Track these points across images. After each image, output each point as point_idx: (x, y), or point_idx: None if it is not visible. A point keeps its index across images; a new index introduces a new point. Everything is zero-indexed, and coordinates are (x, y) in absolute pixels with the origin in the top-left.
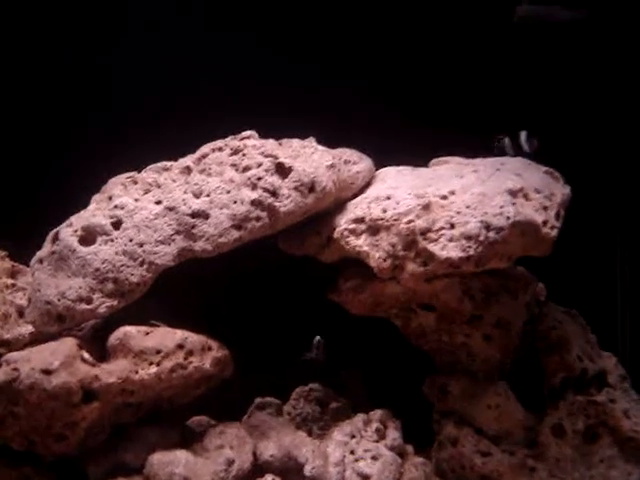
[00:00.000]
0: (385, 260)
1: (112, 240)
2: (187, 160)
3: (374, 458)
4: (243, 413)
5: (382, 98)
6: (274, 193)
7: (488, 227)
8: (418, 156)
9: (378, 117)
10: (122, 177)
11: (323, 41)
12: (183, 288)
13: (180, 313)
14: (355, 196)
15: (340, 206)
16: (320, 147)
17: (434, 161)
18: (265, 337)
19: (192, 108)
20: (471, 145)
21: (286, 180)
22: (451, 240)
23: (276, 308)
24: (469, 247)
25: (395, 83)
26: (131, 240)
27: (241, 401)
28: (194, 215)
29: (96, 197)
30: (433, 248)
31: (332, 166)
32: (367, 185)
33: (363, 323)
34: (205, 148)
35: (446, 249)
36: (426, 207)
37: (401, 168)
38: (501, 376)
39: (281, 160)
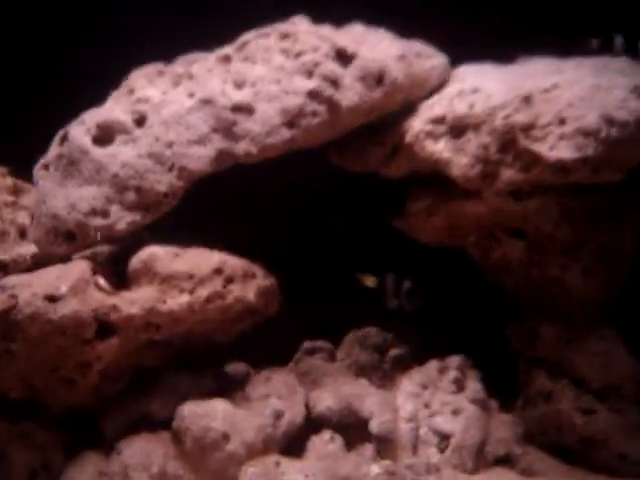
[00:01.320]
0: (473, 167)
1: (134, 140)
2: (226, 49)
3: (455, 413)
4: (289, 361)
5: None
6: (335, 83)
7: (610, 122)
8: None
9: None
10: (146, 69)
11: None
12: (222, 208)
13: (219, 239)
14: (428, 97)
15: (410, 108)
16: (388, 34)
17: (519, 60)
18: (315, 270)
19: None
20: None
21: (349, 68)
22: (562, 138)
23: (328, 236)
24: (586, 146)
25: None
26: (158, 139)
27: (287, 347)
28: (235, 109)
29: (114, 94)
30: (539, 148)
31: (403, 57)
32: (442, 85)
33: (428, 258)
34: (247, 35)
35: (556, 148)
36: (527, 100)
37: (483, 65)
38: (603, 319)
39: (342, 45)
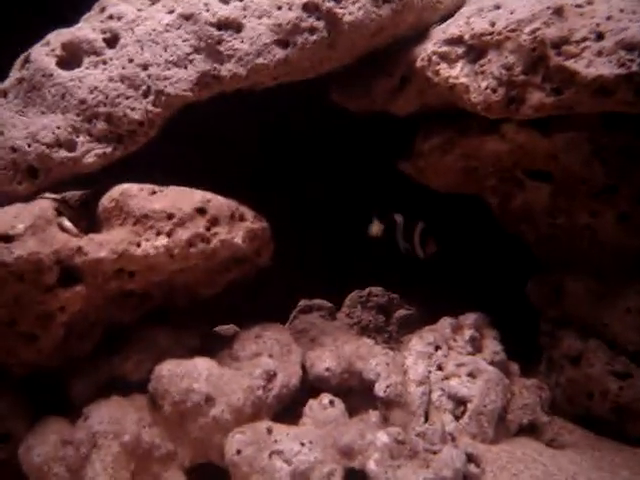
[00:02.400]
0: (495, 91)
1: (104, 62)
2: None
3: (472, 375)
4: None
5: None
6: None
7: None
8: None
9: None
10: None
11: None
12: (209, 148)
13: (207, 182)
14: (443, 20)
15: (422, 33)
16: None
17: None
18: (314, 219)
19: None
20: None
21: None
22: (601, 53)
23: (329, 181)
24: (631, 61)
25: None
26: (131, 61)
27: (284, 308)
28: (221, 26)
29: (87, 14)
30: (574, 65)
31: None
32: (458, 9)
33: (440, 208)
34: None
35: (594, 65)
36: (558, 12)
37: None
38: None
39: None
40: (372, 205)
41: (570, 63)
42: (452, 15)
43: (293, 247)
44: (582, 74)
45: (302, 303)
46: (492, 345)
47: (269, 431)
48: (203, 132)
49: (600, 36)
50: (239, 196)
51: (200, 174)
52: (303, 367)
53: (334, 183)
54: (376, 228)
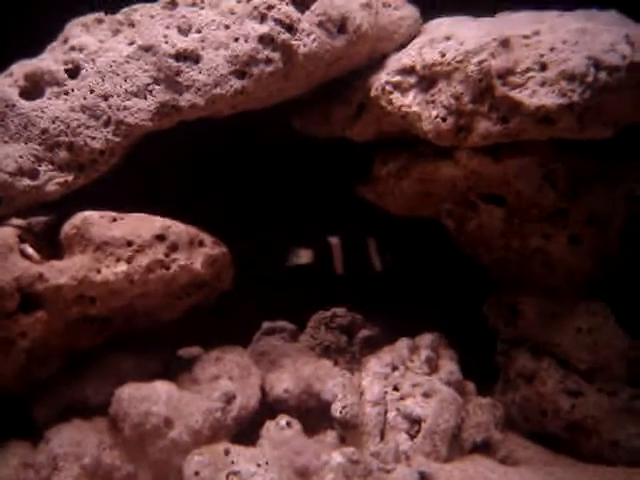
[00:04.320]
0: (445, 120)
1: (66, 92)
2: None
3: (427, 395)
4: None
5: None
6: (291, 27)
7: (598, 65)
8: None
9: None
10: (85, 17)
11: None
12: (169, 175)
13: (167, 207)
14: (398, 51)
15: (378, 62)
16: None
17: (499, 14)
18: (275, 243)
19: None
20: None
21: (307, 13)
22: (544, 83)
23: (290, 207)
24: (572, 91)
25: None
26: (92, 91)
27: (246, 330)
28: (180, 57)
29: (50, 45)
30: (518, 95)
31: (368, 5)
32: (413, 38)
33: (397, 230)
34: None
35: (537, 95)
36: (504, 43)
37: (459, 18)
38: (591, 293)
39: None
40: (291, 234)
41: (515, 93)
42: (408, 43)
43: (258, 268)
44: (526, 104)
45: (265, 325)
46: (448, 365)
47: (226, 452)
48: (166, 159)
49: (543, 67)
50: (200, 221)
51: (165, 199)
52: (263, 389)
53: (296, 207)
54: (304, 256)
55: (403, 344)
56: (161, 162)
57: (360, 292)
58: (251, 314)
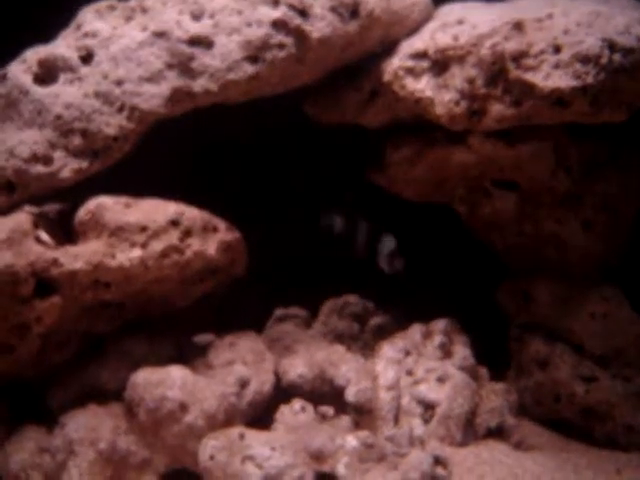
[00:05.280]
0: (458, 103)
1: (80, 78)
2: None
3: (440, 380)
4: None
5: None
6: (303, 12)
7: (613, 47)
8: None
9: None
10: (97, 4)
11: None
12: (183, 160)
13: (177, 193)
14: (410, 36)
15: (390, 48)
16: None
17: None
18: (290, 229)
19: None
20: None
21: None
22: (558, 66)
23: (303, 194)
24: (586, 73)
25: None
26: (106, 77)
27: (262, 318)
28: (193, 42)
29: (64, 32)
30: (532, 77)
31: None
32: (425, 23)
33: (412, 217)
34: None
35: (551, 77)
36: (518, 27)
37: (470, 3)
38: (604, 278)
39: None
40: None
41: (528, 76)
42: (420, 28)
43: (273, 255)
44: (540, 86)
45: (278, 312)
46: (461, 350)
47: (241, 437)
48: (179, 145)
49: (557, 49)
50: (214, 207)
51: (177, 185)
52: (277, 374)
53: (309, 193)
54: (337, 223)
55: (416, 330)
56: (175, 148)
57: (372, 279)
58: (265, 300)
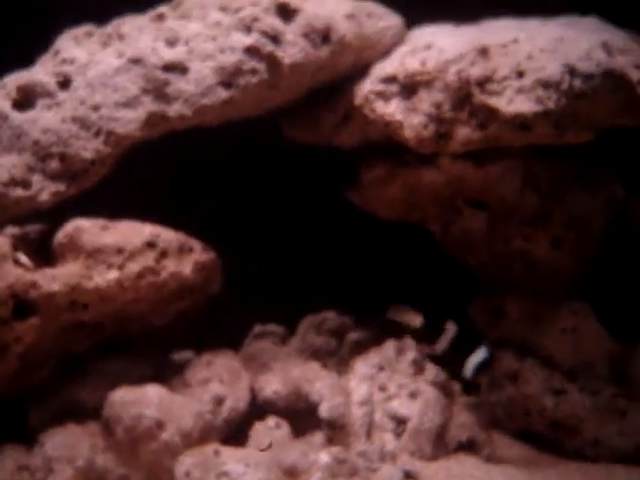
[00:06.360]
0: (426, 127)
1: (57, 104)
2: (161, 8)
3: (412, 396)
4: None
5: None
6: (276, 39)
7: (573, 72)
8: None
9: None
10: (75, 30)
11: None
12: (159, 182)
13: (154, 215)
14: (382, 59)
15: (363, 71)
16: None
17: (483, 21)
18: (266, 249)
19: None
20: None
21: (292, 24)
22: (520, 91)
23: (279, 212)
24: (547, 98)
25: None
26: (83, 103)
27: (236, 334)
28: (167, 68)
29: (42, 58)
30: (496, 102)
31: (352, 16)
32: (397, 46)
33: (387, 235)
34: None
35: (514, 103)
36: (483, 52)
37: (442, 26)
38: (573, 293)
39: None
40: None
41: (492, 100)
42: (392, 52)
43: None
44: (503, 111)
45: (257, 328)
46: (434, 367)
47: (216, 453)
48: (156, 166)
49: (520, 74)
50: (192, 227)
51: (155, 206)
52: (253, 391)
53: (285, 212)
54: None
55: (390, 346)
56: (151, 170)
57: (352, 294)
58: (245, 317)
